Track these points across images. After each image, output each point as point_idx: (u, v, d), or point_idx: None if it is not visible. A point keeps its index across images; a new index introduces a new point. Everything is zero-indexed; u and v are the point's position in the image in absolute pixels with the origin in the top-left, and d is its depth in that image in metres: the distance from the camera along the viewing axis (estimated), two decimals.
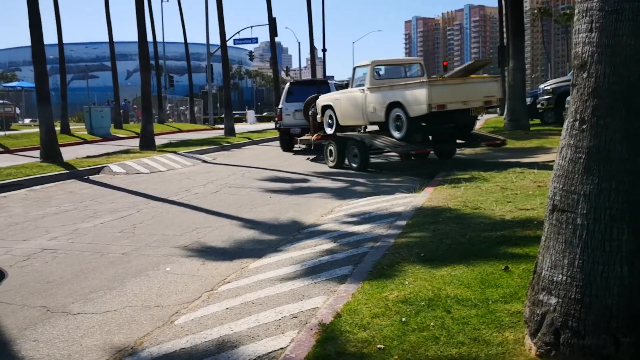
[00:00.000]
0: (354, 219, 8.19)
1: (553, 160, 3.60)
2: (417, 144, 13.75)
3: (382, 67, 15.80)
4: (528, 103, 24.48)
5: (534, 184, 9.69)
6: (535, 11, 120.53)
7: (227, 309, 4.76)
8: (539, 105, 23.99)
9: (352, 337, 3.87)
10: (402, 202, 9.23)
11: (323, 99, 16.82)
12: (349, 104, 15.32)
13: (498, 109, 45.10)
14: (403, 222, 7.47)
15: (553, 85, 23.54)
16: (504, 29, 32.09)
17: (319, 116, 16.95)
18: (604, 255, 3.18)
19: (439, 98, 12.76)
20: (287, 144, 20.76)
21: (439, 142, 14.83)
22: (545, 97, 23.21)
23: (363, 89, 14.68)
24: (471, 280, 4.88)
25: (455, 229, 6.82)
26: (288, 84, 22.72)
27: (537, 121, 25.04)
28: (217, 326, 4.38)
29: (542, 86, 24.94)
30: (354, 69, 15.52)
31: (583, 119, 3.28)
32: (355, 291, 4.82)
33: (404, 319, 4.10)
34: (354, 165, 14.58)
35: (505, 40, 31.07)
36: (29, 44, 17.12)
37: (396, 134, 13.73)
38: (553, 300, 3.34)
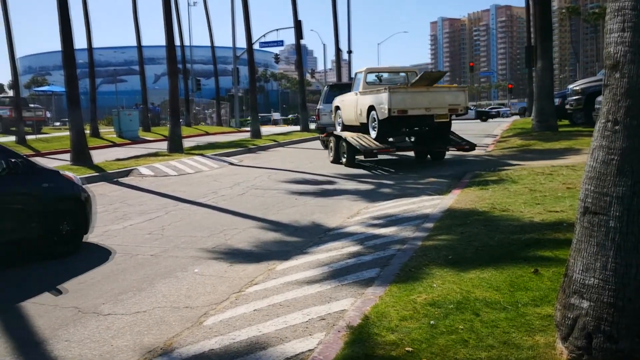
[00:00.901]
0: (381, 221, 8.17)
1: (583, 162, 3.56)
2: (385, 143, 14.90)
3: (380, 74, 17.56)
4: (556, 104, 24.12)
5: (563, 185, 9.55)
6: (564, 10, 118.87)
7: (255, 310, 4.79)
8: (567, 106, 23.61)
9: (380, 340, 3.86)
10: (429, 204, 9.18)
11: (335, 101, 18.67)
12: (348, 106, 17.11)
13: (526, 110, 44.59)
14: (430, 225, 7.44)
15: (582, 86, 23.15)
16: (532, 29, 31.72)
17: (333, 116, 18.95)
18: (637, 258, 3.12)
19: (399, 104, 14.18)
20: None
21: (421, 143, 16.00)
22: (574, 97, 22.84)
23: (357, 93, 16.36)
24: (500, 283, 4.84)
25: (484, 231, 6.76)
26: (326, 86, 24.74)
27: (566, 122, 24.67)
28: (246, 327, 4.41)
29: (570, 86, 24.55)
30: (355, 74, 17.46)
31: (616, 119, 3.22)
32: (383, 294, 4.81)
33: (432, 322, 4.08)
34: (343, 160, 16.16)
35: (532, 40, 30.72)
36: (59, 48, 17.45)
37: (372, 134, 15.20)
38: (585, 304, 3.29)
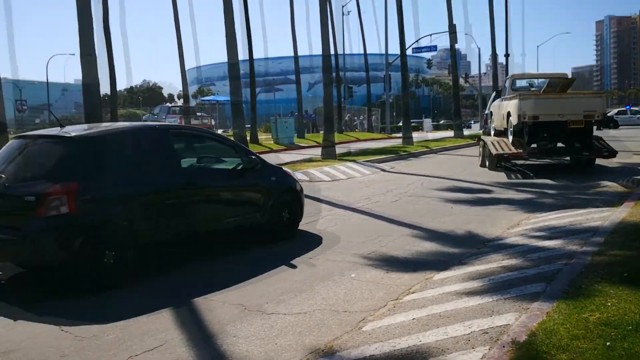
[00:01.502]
0: (544, 233, 7.74)
1: None
2: (521, 148, 14.88)
3: (532, 80, 18.51)
4: None
5: None
6: None
7: (413, 319, 4.74)
8: None
9: (550, 359, 3.64)
10: (597, 216, 8.54)
11: (491, 106, 19.60)
12: (496, 112, 18.01)
13: None
14: (600, 239, 6.91)
15: None
16: None
17: (489, 121, 20.01)
18: None
19: (530, 110, 14.29)
20: None
21: (560, 149, 16.06)
22: None
23: (502, 99, 17.02)
24: None
25: None
26: (494, 92, 27.28)
27: None
28: (405, 336, 4.37)
29: None
30: (506, 80, 18.38)
31: None
32: (550, 310, 4.54)
33: (608, 344, 3.78)
34: (487, 163, 16.56)
35: None
36: (222, 60, 18.82)
37: (510, 139, 15.66)
38: None
